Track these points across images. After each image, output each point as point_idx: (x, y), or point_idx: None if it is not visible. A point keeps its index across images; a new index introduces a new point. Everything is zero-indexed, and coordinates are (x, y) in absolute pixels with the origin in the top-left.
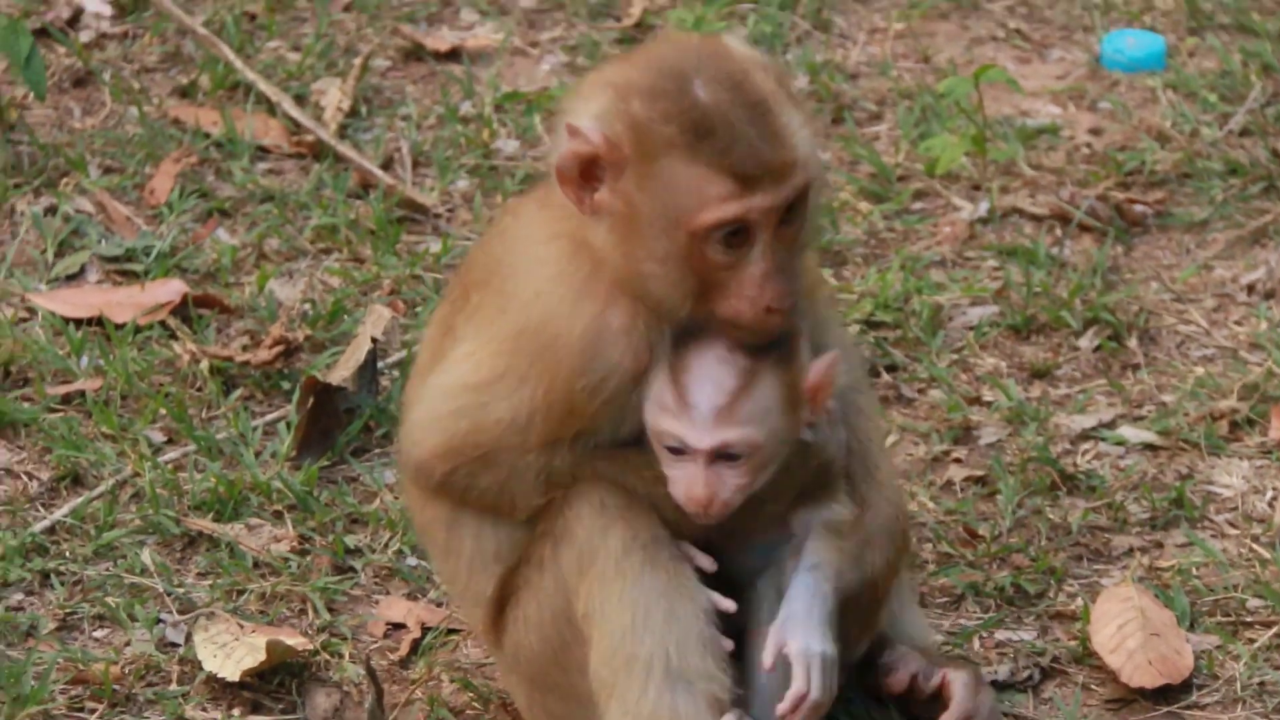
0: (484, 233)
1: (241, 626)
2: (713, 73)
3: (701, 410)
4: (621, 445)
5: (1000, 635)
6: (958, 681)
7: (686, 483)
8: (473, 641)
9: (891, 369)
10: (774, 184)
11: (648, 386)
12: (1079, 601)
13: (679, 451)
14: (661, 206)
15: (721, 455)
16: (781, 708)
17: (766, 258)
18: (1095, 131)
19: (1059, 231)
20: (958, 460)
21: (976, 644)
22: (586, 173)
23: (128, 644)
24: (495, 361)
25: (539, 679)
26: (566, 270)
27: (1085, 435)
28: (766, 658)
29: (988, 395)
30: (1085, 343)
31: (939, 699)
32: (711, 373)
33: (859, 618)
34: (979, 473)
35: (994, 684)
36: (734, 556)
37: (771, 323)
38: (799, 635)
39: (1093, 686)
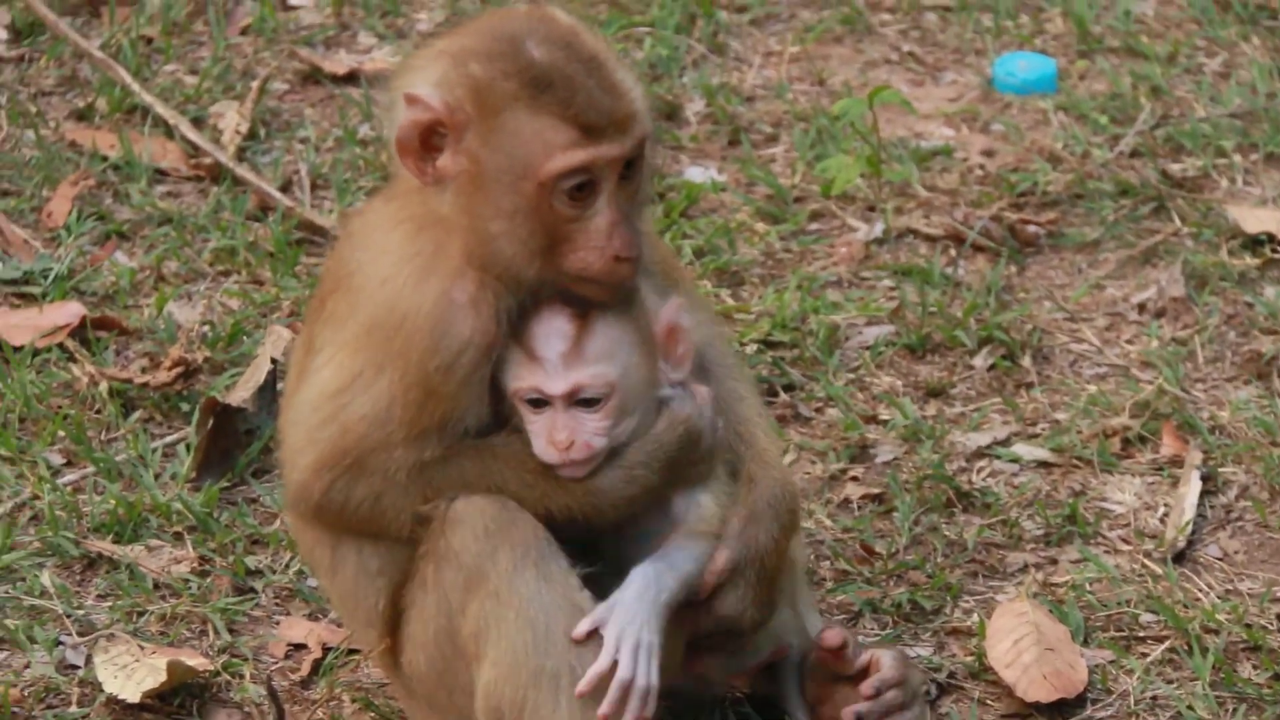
0: (334, 244)
1: (142, 648)
2: (544, 34)
3: (550, 358)
4: (486, 437)
5: None
6: (886, 656)
7: (546, 430)
8: (373, 661)
9: (789, 388)
10: (617, 134)
11: (500, 360)
12: (975, 617)
13: (539, 404)
14: (508, 160)
15: (580, 401)
16: (581, 686)
17: (612, 207)
18: (988, 153)
19: (953, 252)
20: (855, 478)
21: None
22: (426, 141)
23: (27, 666)
24: (352, 360)
25: (430, 699)
26: (410, 252)
27: (980, 453)
28: (580, 628)
29: (884, 414)
30: (980, 361)
31: (864, 674)
32: (553, 323)
33: (753, 596)
34: (876, 490)
35: None
36: (621, 547)
37: (620, 273)
38: (619, 618)
39: (988, 701)
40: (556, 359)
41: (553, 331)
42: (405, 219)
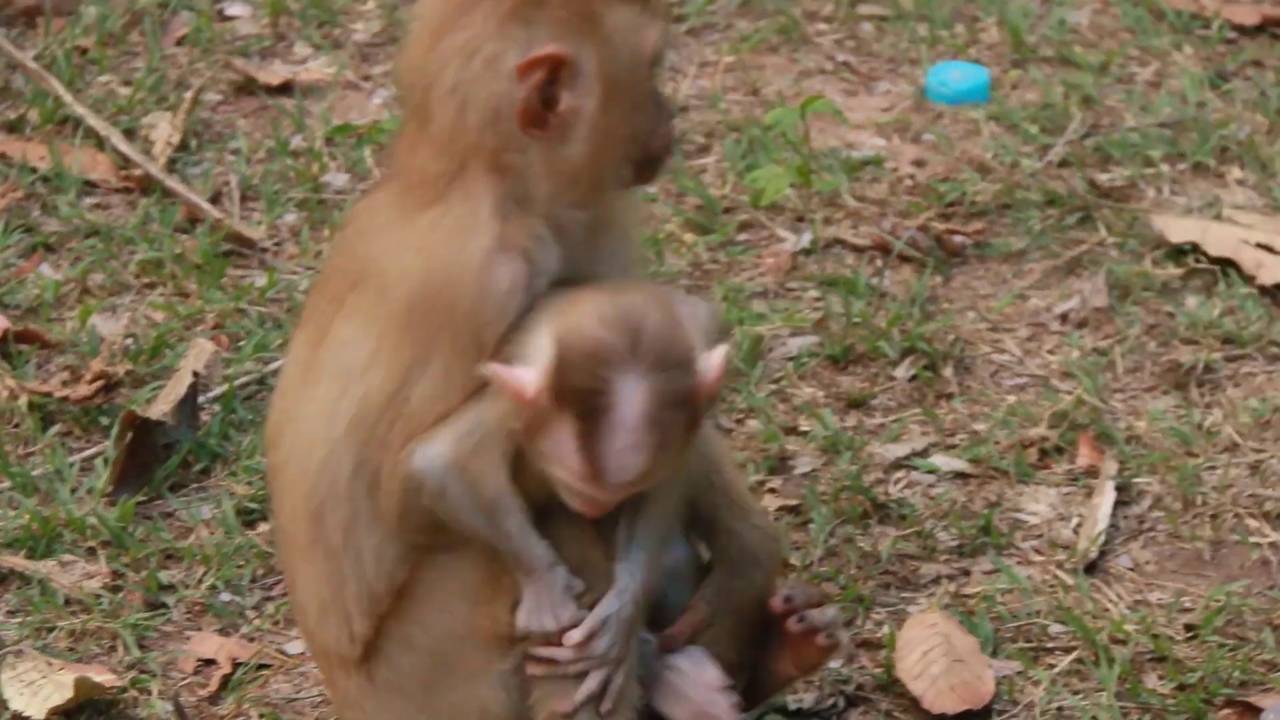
0: (339, 242)
1: (50, 664)
2: None
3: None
4: None
5: None
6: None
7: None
8: (283, 676)
9: None
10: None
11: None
12: (886, 629)
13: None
14: (628, 53)
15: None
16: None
17: None
18: (918, 163)
19: (879, 262)
20: (773, 490)
21: None
22: (545, 99)
23: None
24: (398, 353)
25: (397, 707)
26: (442, 224)
27: (898, 464)
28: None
29: (805, 425)
30: (901, 372)
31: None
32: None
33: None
34: (793, 502)
35: (799, 713)
36: None
37: None
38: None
39: (896, 714)
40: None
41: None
42: (428, 202)
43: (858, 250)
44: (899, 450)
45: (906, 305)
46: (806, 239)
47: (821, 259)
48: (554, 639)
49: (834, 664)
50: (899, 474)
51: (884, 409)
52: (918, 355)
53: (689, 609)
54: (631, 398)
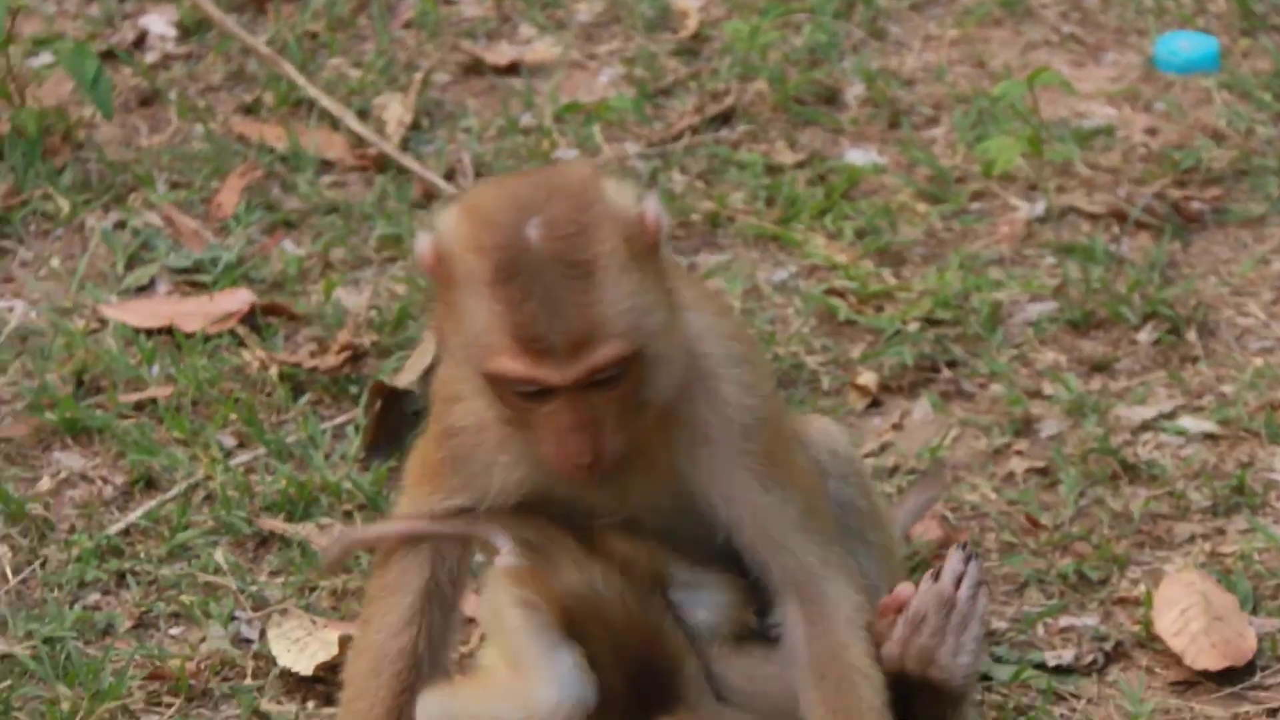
0: None
1: (314, 622)
2: (554, 213)
3: None
4: None
5: (1064, 621)
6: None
7: None
8: None
9: (952, 364)
10: (565, 359)
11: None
12: (1142, 587)
13: None
14: (462, 336)
15: None
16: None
17: (565, 414)
18: (1151, 131)
19: (1116, 229)
20: (1019, 452)
21: (1040, 630)
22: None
23: (203, 640)
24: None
25: None
26: None
27: (1145, 426)
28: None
29: (1048, 389)
30: (1144, 336)
31: None
32: None
33: None
34: (1040, 464)
35: (1058, 669)
36: None
37: (580, 477)
38: None
39: (1157, 670)
40: None
41: None
42: None
43: (1093, 218)
44: (1146, 413)
45: (1146, 271)
46: (1040, 207)
47: (1056, 227)
48: None
49: (1092, 620)
50: (1147, 435)
51: (1128, 373)
52: (1160, 320)
53: None
54: None
